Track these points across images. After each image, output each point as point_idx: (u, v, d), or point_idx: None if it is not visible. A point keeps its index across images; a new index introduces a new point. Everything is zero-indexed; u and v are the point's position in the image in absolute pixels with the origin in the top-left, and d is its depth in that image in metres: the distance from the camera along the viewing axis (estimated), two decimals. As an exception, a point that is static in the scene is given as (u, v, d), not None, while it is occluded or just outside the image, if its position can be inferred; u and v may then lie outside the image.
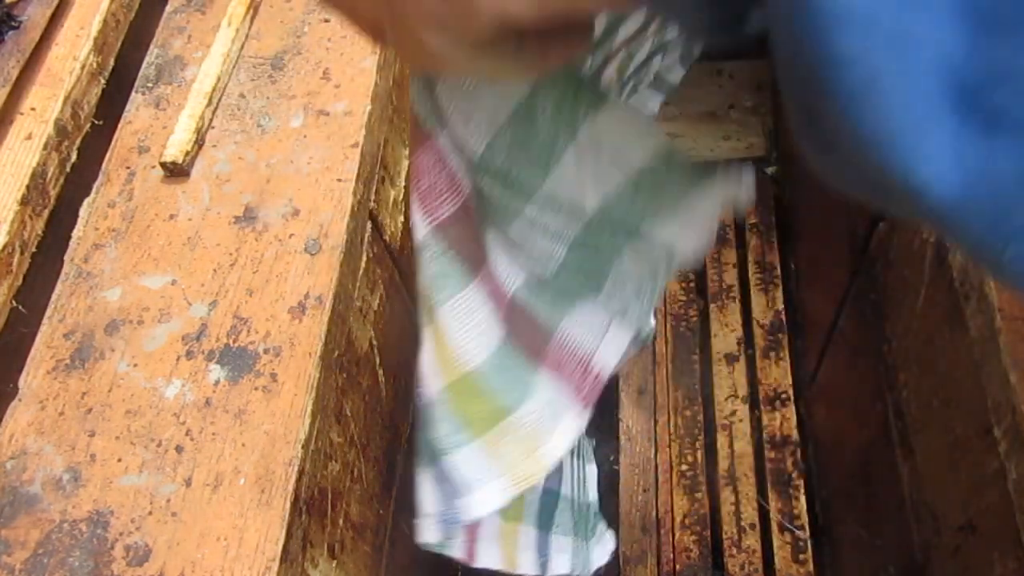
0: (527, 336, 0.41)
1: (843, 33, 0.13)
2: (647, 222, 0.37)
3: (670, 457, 1.15)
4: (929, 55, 0.14)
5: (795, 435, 1.15)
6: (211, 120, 0.56)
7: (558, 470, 0.57)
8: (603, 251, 0.38)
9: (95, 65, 0.57)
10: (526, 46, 0.23)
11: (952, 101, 0.14)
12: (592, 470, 0.64)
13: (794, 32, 0.14)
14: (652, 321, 0.48)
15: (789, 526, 1.08)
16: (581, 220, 0.37)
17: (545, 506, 0.56)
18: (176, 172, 0.53)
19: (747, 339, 1.24)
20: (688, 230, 0.37)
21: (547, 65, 0.24)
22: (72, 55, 0.56)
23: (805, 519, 1.09)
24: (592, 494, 0.64)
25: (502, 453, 0.42)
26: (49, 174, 0.52)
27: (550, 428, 0.42)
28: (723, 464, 1.15)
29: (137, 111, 0.57)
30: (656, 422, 1.18)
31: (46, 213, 0.52)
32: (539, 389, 0.41)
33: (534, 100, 0.32)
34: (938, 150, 0.14)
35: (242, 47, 0.59)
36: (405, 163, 0.67)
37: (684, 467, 1.15)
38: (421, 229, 0.36)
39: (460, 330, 0.38)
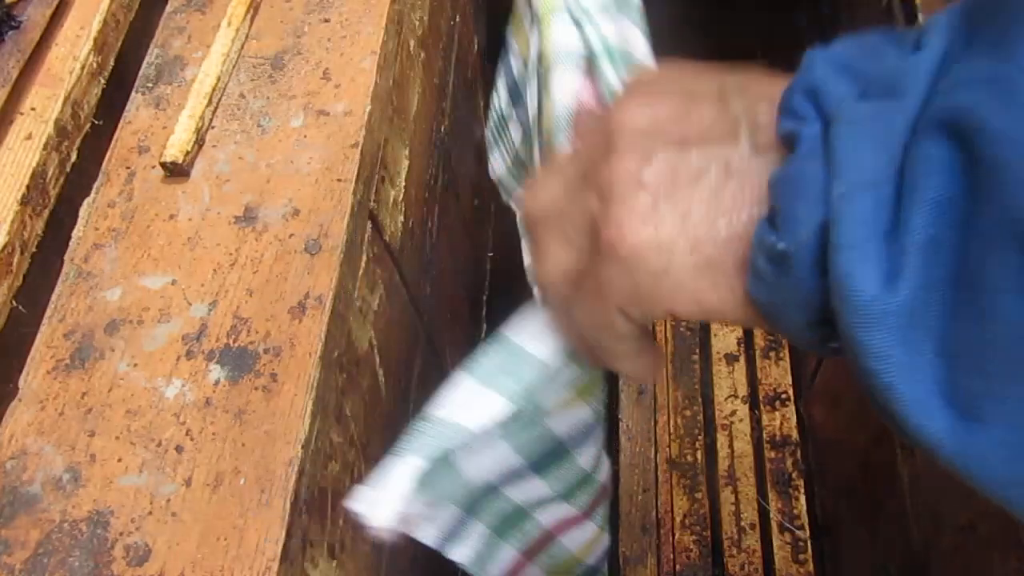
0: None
1: (872, 360, 0.24)
2: None
3: (670, 457, 1.15)
4: (925, 374, 0.23)
5: (795, 435, 1.15)
6: (211, 120, 0.56)
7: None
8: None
9: (95, 65, 0.57)
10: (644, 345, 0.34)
11: (946, 403, 0.23)
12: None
13: (850, 355, 0.25)
14: None
15: (789, 526, 1.08)
16: None
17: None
18: (176, 172, 0.53)
19: (747, 339, 1.24)
20: None
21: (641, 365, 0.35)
22: (72, 55, 0.56)
23: (805, 519, 1.09)
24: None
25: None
26: (49, 174, 0.52)
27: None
28: (723, 464, 1.15)
29: (137, 111, 0.57)
30: (656, 422, 1.18)
31: (46, 213, 0.52)
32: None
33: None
34: (941, 428, 0.23)
35: (242, 47, 0.59)
36: (405, 163, 0.67)
37: (684, 467, 1.15)
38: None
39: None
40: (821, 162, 0.25)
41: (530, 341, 0.36)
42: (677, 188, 0.28)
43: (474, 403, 0.36)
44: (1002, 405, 0.22)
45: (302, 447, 0.43)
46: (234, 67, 0.58)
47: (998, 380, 0.22)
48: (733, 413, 1.17)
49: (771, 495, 1.10)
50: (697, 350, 1.23)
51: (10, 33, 0.55)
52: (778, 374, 1.19)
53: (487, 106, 1.03)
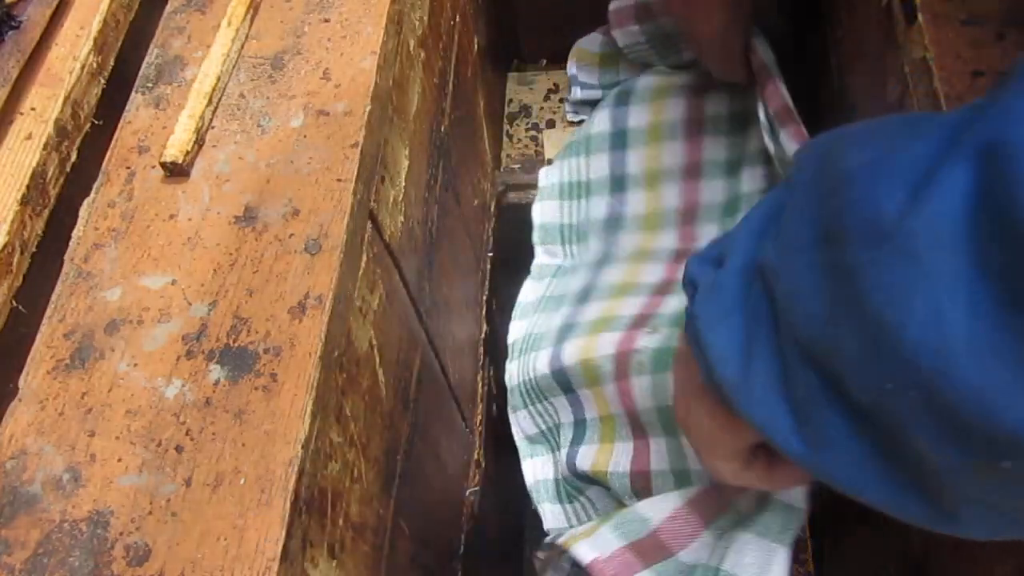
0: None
1: (748, 417, 0.38)
2: None
3: (670, 457, 1.15)
4: (781, 422, 0.35)
5: (795, 435, 1.15)
6: (211, 120, 0.56)
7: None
8: None
9: (95, 65, 0.57)
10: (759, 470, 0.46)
11: (798, 439, 0.35)
12: None
13: (741, 416, 0.39)
14: None
15: (789, 526, 1.08)
16: None
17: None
18: (176, 172, 0.53)
19: (747, 339, 1.23)
20: None
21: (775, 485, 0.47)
22: (72, 55, 0.56)
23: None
24: None
25: None
26: (49, 174, 0.52)
27: None
28: (723, 464, 1.14)
29: (137, 111, 0.57)
30: (656, 422, 1.18)
31: (46, 213, 0.52)
32: None
33: None
34: (799, 455, 0.35)
35: (242, 47, 0.59)
36: (405, 163, 0.67)
37: (684, 467, 1.14)
38: None
39: None
40: (693, 320, 0.40)
41: (784, 494, 0.52)
42: (686, 386, 0.46)
43: (772, 561, 0.51)
44: (821, 438, 0.33)
45: (302, 447, 0.43)
46: (234, 67, 0.58)
47: (814, 423, 0.33)
48: (733, 413, 1.17)
49: (771, 495, 1.10)
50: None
51: (10, 33, 0.55)
52: (778, 374, 1.19)
53: (487, 106, 1.03)
